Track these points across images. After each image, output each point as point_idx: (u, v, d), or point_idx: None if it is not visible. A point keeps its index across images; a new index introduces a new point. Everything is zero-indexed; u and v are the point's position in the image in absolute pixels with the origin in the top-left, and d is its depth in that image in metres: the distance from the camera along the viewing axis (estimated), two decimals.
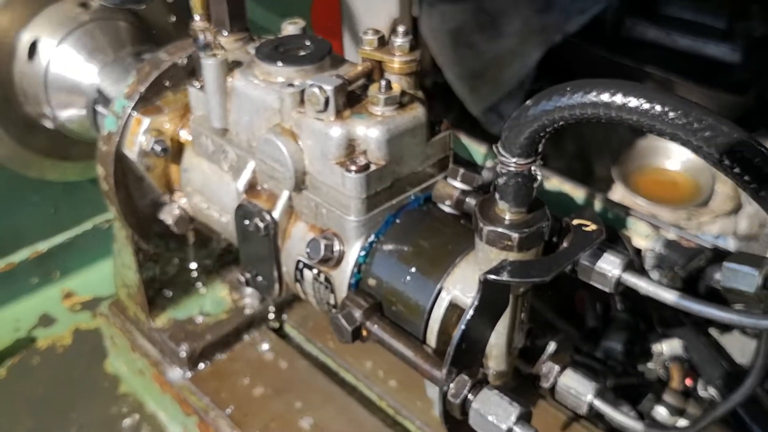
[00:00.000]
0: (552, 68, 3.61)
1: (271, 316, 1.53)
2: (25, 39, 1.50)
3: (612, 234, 1.56)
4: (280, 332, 1.54)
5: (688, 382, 1.39)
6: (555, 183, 1.73)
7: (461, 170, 1.03)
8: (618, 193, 3.33)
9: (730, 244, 3.11)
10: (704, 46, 3.66)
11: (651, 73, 3.36)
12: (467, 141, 2.02)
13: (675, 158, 3.42)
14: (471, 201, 1.02)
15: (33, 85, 1.54)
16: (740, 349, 1.44)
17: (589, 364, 1.46)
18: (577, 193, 1.73)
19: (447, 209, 1.05)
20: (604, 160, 3.60)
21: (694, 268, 1.49)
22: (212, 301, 1.52)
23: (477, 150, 1.98)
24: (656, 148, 3.49)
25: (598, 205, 1.73)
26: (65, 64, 1.51)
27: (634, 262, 1.51)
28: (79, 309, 1.81)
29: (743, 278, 0.89)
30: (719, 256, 1.50)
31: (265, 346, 1.48)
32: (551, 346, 1.03)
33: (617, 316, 1.53)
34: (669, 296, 0.87)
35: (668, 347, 1.39)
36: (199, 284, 1.52)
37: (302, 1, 1.96)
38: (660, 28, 3.73)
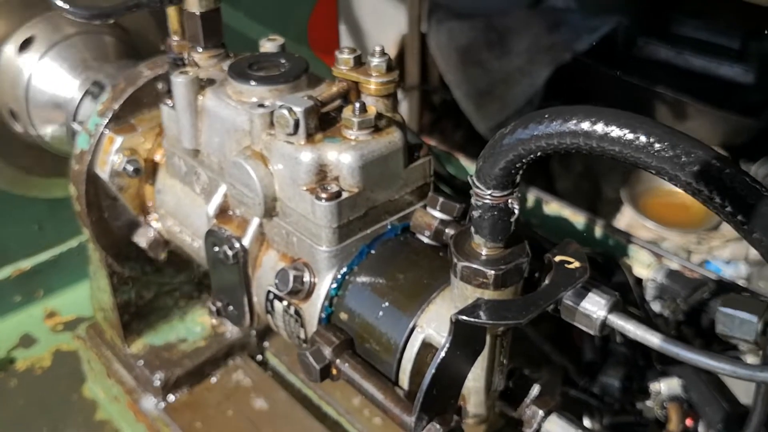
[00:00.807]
0: (561, 87, 3.56)
1: (254, 342, 1.47)
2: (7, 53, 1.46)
3: (612, 263, 1.50)
4: (260, 360, 1.48)
5: (689, 422, 1.31)
6: (555, 208, 1.67)
7: (441, 199, 0.96)
8: (627, 216, 3.25)
9: (742, 270, 3.03)
10: (717, 67, 3.59)
11: (662, 94, 3.30)
12: (467, 163, 1.97)
13: None
14: (451, 232, 0.96)
15: (15, 100, 1.49)
16: (745, 389, 1.37)
17: (585, 399, 1.39)
18: (578, 218, 1.68)
19: (425, 240, 0.98)
20: (614, 182, 3.52)
21: (696, 301, 1.42)
22: (191, 326, 1.46)
23: None
24: None
25: (599, 232, 1.67)
26: (47, 78, 1.46)
27: (635, 292, 1.44)
28: (60, 329, 1.76)
29: (741, 325, 0.82)
30: (723, 288, 1.44)
31: (244, 376, 1.42)
32: (535, 389, 0.95)
33: (615, 350, 1.46)
34: (657, 341, 0.80)
35: (666, 386, 1.31)
36: (177, 309, 1.46)
37: (299, 16, 1.91)
38: (672, 48, 3.67)
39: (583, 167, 3.52)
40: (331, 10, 1.93)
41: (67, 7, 1.03)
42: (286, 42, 1.79)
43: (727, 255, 3.11)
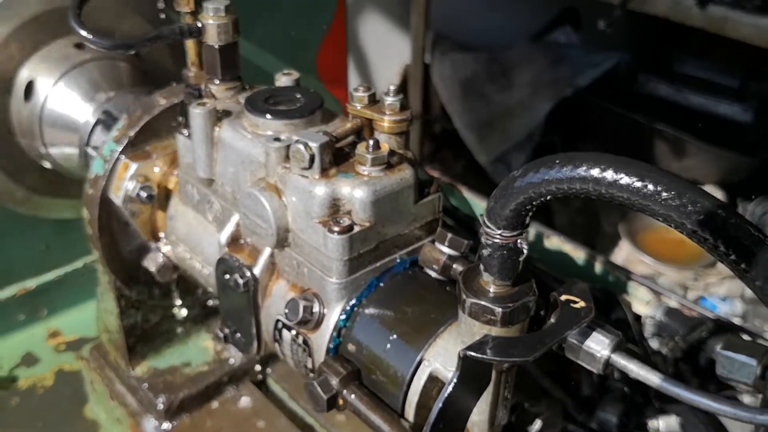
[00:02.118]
0: (562, 121, 3.60)
1: (257, 368, 1.49)
2: (23, 76, 1.49)
3: (611, 299, 1.52)
4: (263, 386, 1.49)
5: None
6: (556, 242, 1.69)
7: (449, 235, 0.99)
8: (624, 251, 3.28)
9: (737, 307, 3.05)
10: (717, 105, 3.64)
11: (662, 131, 3.34)
12: (469, 195, 1.99)
13: None
14: (458, 267, 0.98)
15: (28, 122, 1.52)
16: (741, 427, 1.38)
17: None
18: (578, 253, 1.70)
19: (433, 274, 1.01)
20: (612, 217, 3.56)
21: (695, 340, 1.44)
22: (195, 350, 1.47)
23: (479, 205, 1.94)
24: None
25: (598, 267, 1.69)
26: (61, 102, 1.49)
27: (633, 329, 1.46)
28: (63, 349, 1.77)
29: (741, 368, 0.84)
30: (721, 327, 1.46)
31: (247, 401, 1.43)
32: (537, 424, 0.97)
33: (613, 386, 1.48)
34: (660, 382, 0.82)
35: (665, 424, 1.33)
36: (182, 333, 1.48)
37: (308, 49, 1.95)
38: (673, 86, 3.72)
39: (582, 202, 3.56)
40: (339, 43, 1.96)
41: (90, 37, 1.06)
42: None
43: (723, 292, 3.14)
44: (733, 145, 3.33)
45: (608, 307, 1.50)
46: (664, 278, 3.24)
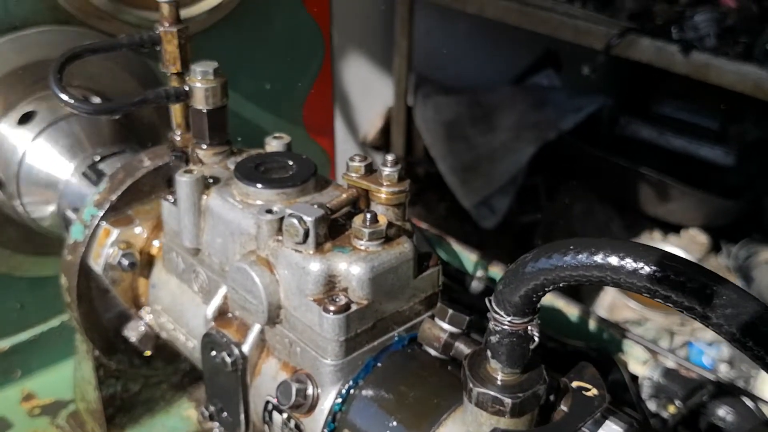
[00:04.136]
0: (545, 165, 3.60)
1: None
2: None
3: (608, 359, 1.48)
4: None
5: None
6: (548, 297, 1.65)
7: (450, 311, 0.94)
8: (610, 296, 3.25)
9: (724, 352, 3.03)
10: (698, 148, 3.66)
11: (645, 175, 3.35)
12: (458, 248, 1.95)
13: None
14: (460, 345, 0.93)
15: (6, 178, 1.46)
16: None
17: None
18: (572, 310, 1.66)
19: (433, 352, 0.96)
20: None
21: (696, 404, 1.40)
22: (177, 420, 1.41)
23: (467, 257, 1.90)
24: None
25: (593, 325, 1.65)
26: (40, 158, 1.44)
27: (631, 391, 1.42)
28: (38, 413, 1.68)
29: None
30: (721, 390, 1.42)
31: None
32: None
33: None
34: None
35: None
36: (163, 401, 1.41)
37: (295, 100, 1.92)
38: (654, 128, 3.74)
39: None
40: (326, 92, 1.93)
41: (72, 102, 1.01)
42: (281, 124, 1.80)
43: (709, 337, 3.11)
44: (716, 189, 3.35)
45: (605, 368, 1.46)
46: (650, 323, 3.22)
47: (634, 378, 1.48)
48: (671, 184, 3.31)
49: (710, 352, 3.00)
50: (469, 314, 0.96)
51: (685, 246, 3.35)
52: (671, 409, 1.43)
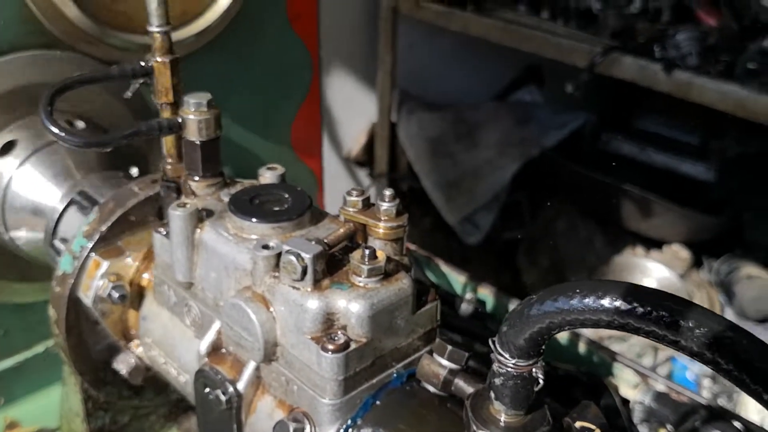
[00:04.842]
0: (529, 181, 3.61)
1: None
2: None
3: (598, 384, 1.48)
4: None
5: None
6: None
7: (449, 347, 0.93)
8: None
9: (707, 368, 3.04)
10: (679, 164, 3.69)
11: (628, 191, 3.37)
12: (447, 269, 1.95)
13: (652, 276, 3.39)
14: (460, 382, 0.92)
15: None
16: None
17: None
18: (562, 333, 1.66)
19: (432, 389, 0.95)
20: (581, 275, 3.54)
21: (688, 430, 1.41)
22: None
23: (456, 279, 1.90)
24: (633, 265, 3.46)
25: (582, 348, 1.65)
26: (27, 184, 1.41)
27: (623, 415, 1.42)
28: None
29: None
30: (713, 414, 1.43)
31: None
32: None
33: None
34: None
35: None
36: None
37: (283, 121, 1.91)
38: (636, 144, 3.77)
39: (550, 262, 3.54)
40: (314, 112, 1.92)
41: (63, 135, 1.00)
42: (268, 145, 1.78)
43: None
44: (697, 204, 3.38)
45: (595, 392, 1.45)
46: (634, 339, 3.23)
47: (625, 402, 1.48)
48: (653, 200, 3.33)
49: (694, 368, 3.01)
50: (468, 350, 0.95)
51: (667, 261, 3.37)
52: None
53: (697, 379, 2.94)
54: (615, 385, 1.51)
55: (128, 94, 1.09)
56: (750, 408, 2.36)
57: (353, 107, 3.58)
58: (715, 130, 3.60)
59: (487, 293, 1.74)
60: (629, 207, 3.37)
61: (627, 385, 1.55)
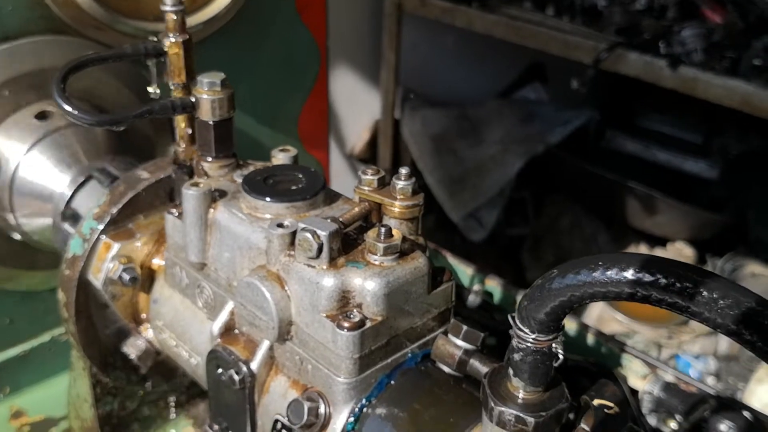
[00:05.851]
0: (533, 177, 3.60)
1: None
2: None
3: (607, 374, 1.47)
4: None
5: None
6: None
7: (464, 327, 0.92)
8: (597, 308, 3.25)
9: (711, 365, 3.03)
10: (683, 162, 3.69)
11: (632, 188, 3.36)
12: (453, 261, 1.94)
13: None
14: (475, 362, 0.91)
15: None
16: None
17: None
18: (569, 323, 1.65)
19: (447, 369, 0.94)
20: None
21: (697, 420, 1.40)
22: None
23: (464, 271, 1.89)
24: None
25: (591, 339, 1.64)
26: (34, 171, 1.40)
27: (632, 406, 1.42)
28: (27, 431, 1.64)
29: None
30: (722, 404, 1.42)
31: None
32: None
33: None
34: None
35: None
36: (160, 419, 1.38)
37: (291, 112, 1.90)
38: (639, 142, 3.76)
39: (554, 259, 3.54)
40: (322, 104, 1.92)
41: (76, 113, 0.99)
42: (276, 136, 1.77)
43: (696, 350, 3.12)
44: (700, 202, 3.37)
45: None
46: (638, 336, 3.22)
47: (634, 392, 1.47)
48: (657, 198, 3.33)
49: (697, 365, 3.01)
50: (483, 330, 0.94)
51: None
52: (672, 424, 1.42)
53: (700, 377, 2.93)
54: (624, 376, 1.51)
55: (155, 90, 1.08)
56: (754, 404, 2.35)
57: (357, 104, 3.58)
58: (717, 127, 3.60)
59: (494, 285, 1.73)
60: (633, 204, 3.37)
61: (636, 375, 1.54)
